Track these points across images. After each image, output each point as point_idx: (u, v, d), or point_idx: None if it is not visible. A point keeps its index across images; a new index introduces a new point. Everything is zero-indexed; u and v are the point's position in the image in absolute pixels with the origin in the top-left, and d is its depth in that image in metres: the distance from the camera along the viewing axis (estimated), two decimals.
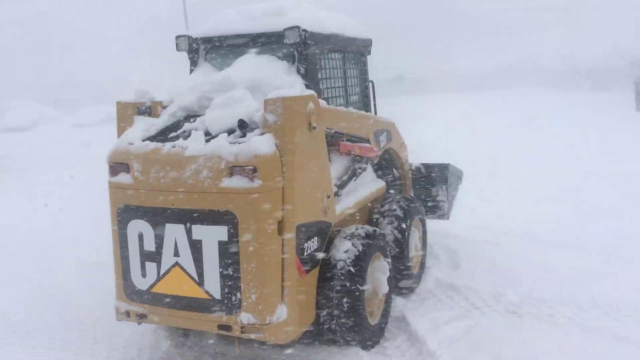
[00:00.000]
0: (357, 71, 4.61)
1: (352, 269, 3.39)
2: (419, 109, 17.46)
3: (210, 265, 3.00)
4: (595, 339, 3.70)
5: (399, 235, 4.41)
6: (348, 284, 3.35)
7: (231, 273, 2.98)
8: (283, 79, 3.50)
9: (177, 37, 3.94)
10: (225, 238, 2.97)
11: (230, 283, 2.99)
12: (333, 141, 3.69)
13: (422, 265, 4.97)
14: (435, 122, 14.77)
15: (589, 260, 5.13)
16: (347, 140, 3.87)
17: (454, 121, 15.18)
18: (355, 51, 4.49)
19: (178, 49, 3.96)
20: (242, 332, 3.00)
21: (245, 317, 2.97)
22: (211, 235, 3.00)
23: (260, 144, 2.99)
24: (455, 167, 5.76)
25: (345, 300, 3.34)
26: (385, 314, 3.89)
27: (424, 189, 5.47)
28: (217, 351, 3.75)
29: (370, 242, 3.58)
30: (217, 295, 3.01)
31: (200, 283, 3.04)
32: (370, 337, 3.60)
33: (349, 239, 3.53)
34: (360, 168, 4.13)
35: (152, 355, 3.74)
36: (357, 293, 3.38)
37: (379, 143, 4.50)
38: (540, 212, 6.65)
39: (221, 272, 2.99)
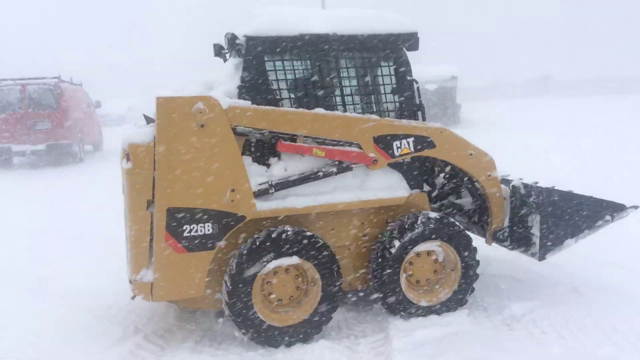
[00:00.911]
0: (369, 71, 4.35)
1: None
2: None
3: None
4: None
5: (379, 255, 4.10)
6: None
7: (127, 235, 3.84)
8: (226, 82, 3.86)
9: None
10: (125, 207, 3.86)
11: (128, 245, 3.83)
12: (271, 140, 3.94)
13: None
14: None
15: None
16: (320, 142, 3.96)
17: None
18: (360, 49, 4.19)
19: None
20: (130, 284, 3.81)
21: (128, 272, 3.83)
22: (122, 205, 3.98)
23: (136, 134, 3.67)
24: (583, 198, 4.31)
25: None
26: None
27: (518, 216, 4.41)
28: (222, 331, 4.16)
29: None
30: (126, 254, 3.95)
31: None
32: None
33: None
34: (329, 172, 3.96)
35: (156, 326, 4.26)
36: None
37: (391, 149, 4.10)
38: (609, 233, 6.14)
39: (126, 234, 3.91)
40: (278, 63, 4.05)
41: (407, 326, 4.01)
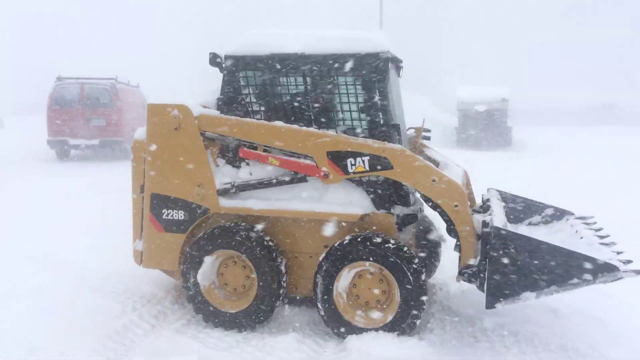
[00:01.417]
0: (335, 89, 4.36)
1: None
2: None
3: None
4: None
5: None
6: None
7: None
8: (209, 93, 4.48)
9: None
10: None
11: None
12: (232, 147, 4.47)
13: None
14: None
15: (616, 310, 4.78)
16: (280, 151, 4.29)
17: None
18: (326, 68, 4.24)
19: None
20: None
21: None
22: None
23: (140, 132, 4.55)
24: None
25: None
26: None
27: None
28: None
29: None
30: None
31: None
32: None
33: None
34: (282, 180, 4.24)
35: (152, 308, 4.69)
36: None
37: (343, 166, 4.11)
38: None
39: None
40: (251, 80, 4.44)
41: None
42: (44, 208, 8.60)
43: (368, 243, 3.99)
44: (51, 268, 5.62)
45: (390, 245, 3.98)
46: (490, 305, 3.68)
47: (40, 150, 15.08)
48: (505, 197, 5.06)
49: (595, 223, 4.64)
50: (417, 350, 3.89)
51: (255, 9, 37.98)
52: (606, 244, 4.01)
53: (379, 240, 3.99)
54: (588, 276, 3.52)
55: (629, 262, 3.66)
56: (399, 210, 4.40)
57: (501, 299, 3.66)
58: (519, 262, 3.61)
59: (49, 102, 14.67)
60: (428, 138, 5.38)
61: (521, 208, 4.95)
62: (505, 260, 3.62)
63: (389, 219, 4.26)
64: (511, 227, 4.05)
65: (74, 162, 14.74)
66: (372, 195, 4.29)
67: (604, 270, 3.49)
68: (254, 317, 4.28)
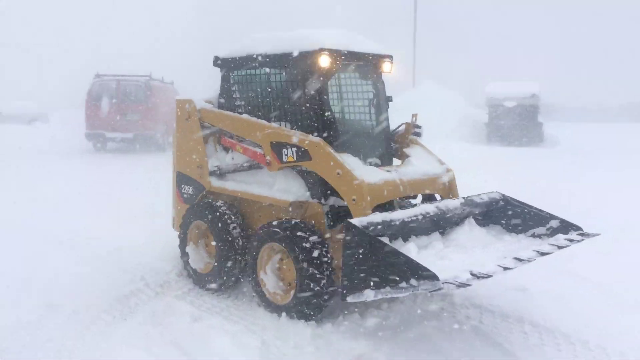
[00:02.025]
0: (287, 85, 4.70)
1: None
2: None
3: None
4: (480, 347, 4.04)
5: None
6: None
7: None
8: (216, 90, 5.32)
9: None
10: None
11: None
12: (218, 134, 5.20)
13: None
14: None
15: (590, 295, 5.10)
16: (239, 140, 4.96)
17: None
18: (280, 67, 4.69)
19: None
20: None
21: None
22: None
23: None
24: None
25: None
26: None
27: None
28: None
29: None
30: None
31: None
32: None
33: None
34: (242, 166, 4.90)
35: (158, 278, 5.30)
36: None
37: (280, 156, 4.48)
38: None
39: None
40: (236, 78, 5.13)
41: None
42: (78, 193, 9.39)
43: (275, 224, 4.33)
44: (77, 244, 6.32)
45: (287, 225, 4.24)
46: (342, 298, 3.61)
47: (80, 143, 16.07)
48: (489, 204, 4.74)
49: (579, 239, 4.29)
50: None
51: (287, 12, 38.67)
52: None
53: (284, 223, 4.29)
54: (414, 282, 3.32)
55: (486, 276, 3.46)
56: (332, 201, 4.51)
57: (350, 294, 3.57)
58: (366, 260, 3.58)
59: (87, 98, 15.65)
60: (418, 134, 5.45)
61: (518, 220, 4.66)
62: (354, 257, 3.58)
63: (318, 208, 4.43)
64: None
65: (110, 154, 15.67)
66: (309, 185, 4.55)
67: (426, 279, 3.25)
68: (217, 278, 4.86)
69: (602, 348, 3.97)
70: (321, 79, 4.47)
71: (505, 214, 4.72)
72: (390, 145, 5.16)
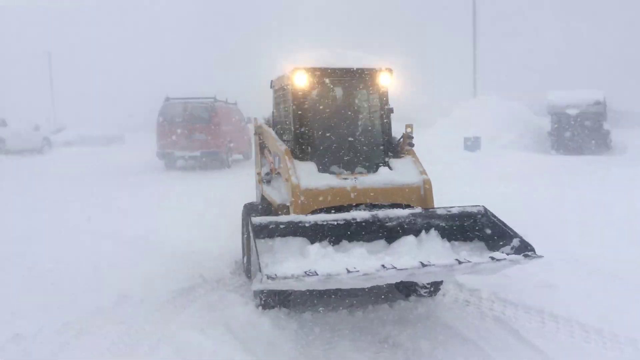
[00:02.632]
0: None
1: None
2: None
3: None
4: (497, 333, 4.41)
5: None
6: None
7: None
8: None
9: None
10: None
11: None
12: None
13: None
14: None
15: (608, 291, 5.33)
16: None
17: None
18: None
19: None
20: None
21: None
22: None
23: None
24: None
25: None
26: None
27: None
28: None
29: None
30: None
31: None
32: None
33: None
34: (270, 174, 5.66)
35: (213, 275, 5.96)
36: None
37: (275, 162, 5.25)
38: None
39: None
40: (276, 98, 6.03)
41: None
42: (150, 204, 10.42)
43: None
44: (147, 246, 7.13)
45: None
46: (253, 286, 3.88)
47: (152, 161, 17.35)
48: (459, 217, 4.62)
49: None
50: None
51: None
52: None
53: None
54: (257, 276, 3.62)
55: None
56: None
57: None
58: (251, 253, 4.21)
59: (158, 119, 16.92)
60: (412, 145, 5.45)
61: (495, 236, 4.50)
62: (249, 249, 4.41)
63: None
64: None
65: (180, 171, 16.84)
66: None
67: (258, 273, 3.65)
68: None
69: (614, 335, 4.23)
70: (300, 94, 5.06)
71: (483, 230, 4.58)
72: (382, 155, 5.29)
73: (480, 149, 21.57)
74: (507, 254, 4.04)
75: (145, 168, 17.00)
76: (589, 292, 5.21)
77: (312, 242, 4.19)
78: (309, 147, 5.12)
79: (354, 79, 5.31)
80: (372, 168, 5.14)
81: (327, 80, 5.30)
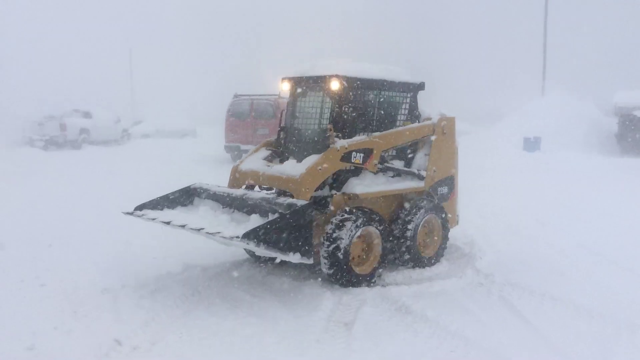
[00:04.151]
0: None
1: None
2: None
3: None
4: (497, 309, 5.10)
5: None
6: None
7: None
8: None
9: None
10: None
11: None
12: None
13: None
14: None
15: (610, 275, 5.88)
16: None
17: None
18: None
19: None
20: None
21: None
22: None
23: None
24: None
25: None
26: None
27: None
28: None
29: None
30: None
31: None
32: None
33: None
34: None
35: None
36: None
37: None
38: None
39: None
40: None
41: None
42: None
43: None
44: None
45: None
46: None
47: (220, 154, 18.72)
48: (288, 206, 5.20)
49: None
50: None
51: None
52: None
53: None
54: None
55: None
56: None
57: None
58: None
59: (226, 115, 18.25)
60: (333, 143, 5.74)
61: None
62: None
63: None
64: None
65: None
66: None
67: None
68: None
69: (604, 317, 4.82)
70: (284, 98, 6.58)
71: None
72: (314, 150, 5.91)
73: (539, 150, 21.53)
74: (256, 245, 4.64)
75: (215, 160, 18.40)
76: (597, 281, 5.77)
77: (223, 208, 5.92)
78: (282, 140, 6.53)
79: (316, 85, 6.23)
80: (301, 160, 5.84)
81: (298, 88, 6.46)
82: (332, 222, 5.53)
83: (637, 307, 5.06)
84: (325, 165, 5.55)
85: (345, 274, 5.47)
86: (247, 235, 4.55)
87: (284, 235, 4.74)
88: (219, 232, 4.92)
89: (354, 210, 5.61)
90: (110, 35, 51.04)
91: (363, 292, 5.45)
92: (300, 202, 5.05)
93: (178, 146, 23.52)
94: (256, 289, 5.55)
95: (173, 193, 6.29)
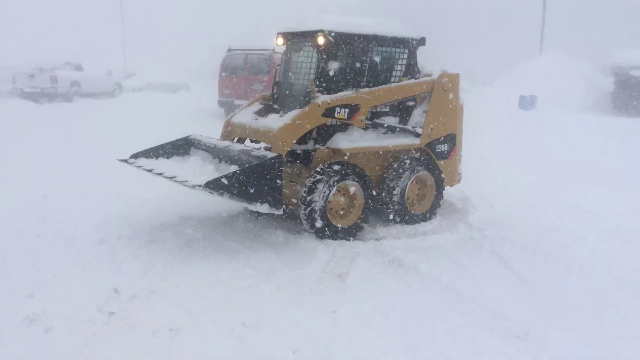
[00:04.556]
0: None
1: None
2: None
3: None
4: (487, 259, 5.20)
5: None
6: None
7: None
8: None
9: None
10: None
11: None
12: None
13: None
14: None
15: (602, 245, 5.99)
16: None
17: None
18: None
19: None
20: None
21: None
22: None
23: None
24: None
25: None
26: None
27: None
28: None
29: None
30: None
31: None
32: None
33: None
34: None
35: None
36: None
37: None
38: None
39: None
40: None
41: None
42: None
43: None
44: None
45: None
46: None
47: (214, 109, 18.56)
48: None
49: None
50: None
51: None
52: None
53: None
54: None
55: None
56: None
57: None
58: None
59: (220, 70, 17.99)
60: (313, 98, 5.78)
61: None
62: None
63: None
64: None
65: None
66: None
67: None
68: None
69: (594, 272, 4.93)
70: (279, 53, 6.67)
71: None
72: (300, 105, 6.00)
73: (535, 108, 21.47)
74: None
75: (208, 114, 18.25)
76: (585, 237, 5.88)
77: (213, 159, 5.99)
78: (275, 95, 6.64)
79: (306, 40, 6.21)
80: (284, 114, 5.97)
81: (291, 43, 6.45)
82: (305, 184, 5.59)
83: (628, 264, 5.17)
84: (304, 119, 5.55)
85: (326, 230, 5.61)
86: (208, 184, 4.77)
87: (251, 186, 4.93)
88: (186, 181, 5.18)
89: (326, 168, 5.62)
90: None
91: (357, 245, 5.53)
92: (271, 155, 5.11)
93: (171, 100, 23.26)
94: (252, 240, 5.61)
95: (169, 143, 6.38)
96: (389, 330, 3.83)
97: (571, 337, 3.80)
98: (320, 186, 5.52)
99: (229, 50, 18.21)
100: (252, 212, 6.52)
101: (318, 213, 5.53)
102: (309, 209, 5.53)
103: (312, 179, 5.55)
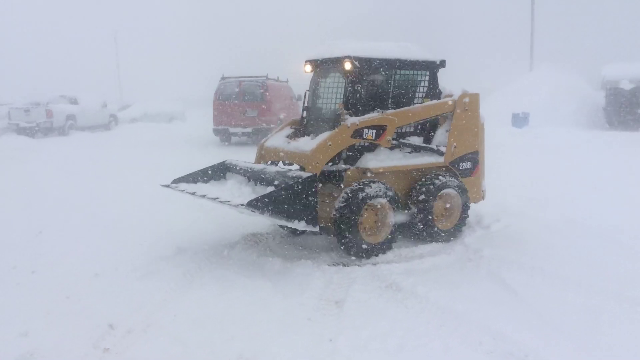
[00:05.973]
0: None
1: None
2: None
3: None
4: (484, 278, 5.18)
5: None
6: None
7: None
8: None
9: None
10: None
11: None
12: None
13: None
14: None
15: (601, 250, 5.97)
16: None
17: None
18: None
19: None
20: None
21: None
22: None
23: None
24: None
25: None
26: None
27: None
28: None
29: None
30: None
31: None
32: None
33: None
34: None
35: (251, 235, 6.95)
36: None
37: None
38: None
39: None
40: None
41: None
42: None
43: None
44: (199, 207, 8.24)
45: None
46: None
47: (209, 137, 18.65)
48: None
49: None
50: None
51: None
52: None
53: None
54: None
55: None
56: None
57: None
58: None
59: (214, 97, 18.12)
60: (344, 121, 6.08)
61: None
62: None
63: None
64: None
65: (234, 146, 18.04)
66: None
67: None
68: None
69: (592, 288, 4.90)
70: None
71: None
72: (330, 128, 6.21)
73: (528, 125, 21.63)
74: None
75: (203, 143, 18.33)
76: (590, 255, 5.86)
77: (248, 181, 6.23)
78: (305, 119, 6.88)
79: (333, 66, 6.45)
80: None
81: (318, 69, 6.68)
82: (336, 203, 5.80)
83: (625, 278, 5.14)
84: (335, 141, 5.85)
85: (355, 244, 5.74)
86: (251, 203, 4.97)
87: (289, 204, 5.16)
88: (228, 201, 5.41)
89: (356, 187, 5.82)
90: (95, 19, 50.29)
91: (353, 270, 5.50)
92: (306, 175, 5.35)
93: (166, 130, 23.37)
94: (248, 269, 5.58)
95: (207, 168, 6.68)
96: (388, 355, 3.80)
97: (571, 357, 3.76)
98: (351, 204, 5.67)
99: (223, 78, 18.37)
100: (249, 240, 6.54)
101: (350, 230, 5.68)
102: (341, 225, 5.69)
103: (344, 198, 5.74)
